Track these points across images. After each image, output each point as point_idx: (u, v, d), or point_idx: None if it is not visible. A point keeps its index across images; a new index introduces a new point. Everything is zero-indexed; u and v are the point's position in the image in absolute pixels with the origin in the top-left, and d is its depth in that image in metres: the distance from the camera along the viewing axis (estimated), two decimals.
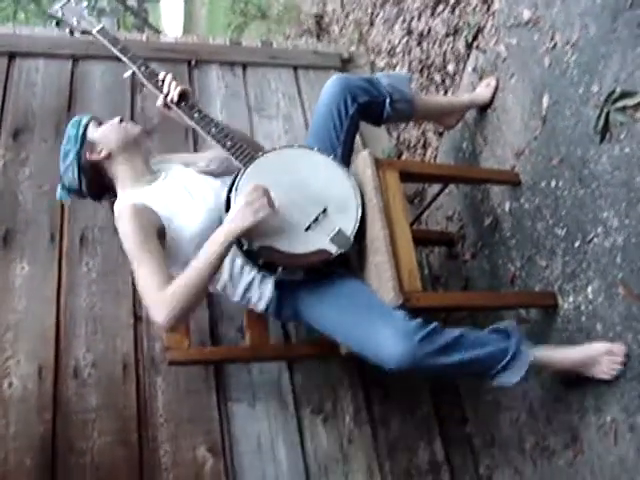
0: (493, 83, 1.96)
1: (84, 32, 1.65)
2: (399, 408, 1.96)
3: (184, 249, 1.50)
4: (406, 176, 1.66)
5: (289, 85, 2.60)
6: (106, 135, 1.57)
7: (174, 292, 1.33)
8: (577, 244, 1.58)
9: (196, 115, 1.57)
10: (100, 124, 1.61)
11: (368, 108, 1.73)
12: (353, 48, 2.96)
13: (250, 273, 1.55)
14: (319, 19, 3.62)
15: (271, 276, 1.53)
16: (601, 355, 1.45)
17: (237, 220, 1.37)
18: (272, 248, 1.44)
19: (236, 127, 1.74)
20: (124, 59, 1.61)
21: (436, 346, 1.34)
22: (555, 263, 1.66)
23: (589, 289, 1.53)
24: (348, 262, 1.54)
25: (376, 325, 1.38)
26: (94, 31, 1.63)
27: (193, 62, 2.53)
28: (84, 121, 1.59)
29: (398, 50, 2.65)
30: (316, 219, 1.48)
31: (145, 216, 1.46)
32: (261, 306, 1.59)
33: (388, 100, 1.75)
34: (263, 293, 1.57)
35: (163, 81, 1.59)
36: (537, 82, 1.76)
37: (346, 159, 1.70)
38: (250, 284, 1.56)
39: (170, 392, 1.80)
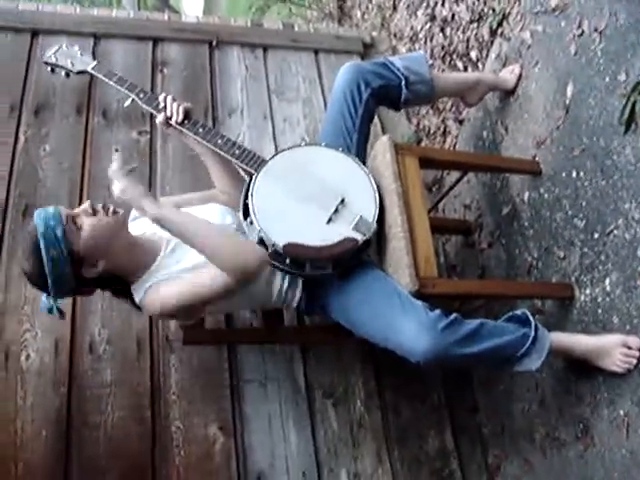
0: (517, 70, 1.93)
1: (80, 72, 1.67)
2: (410, 395, 1.97)
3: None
4: (425, 162, 1.65)
5: (310, 69, 2.59)
6: (92, 244, 1.35)
7: (215, 264, 1.35)
8: (596, 235, 1.56)
9: (200, 130, 1.58)
10: (69, 220, 1.35)
11: (384, 92, 1.72)
12: (375, 33, 2.93)
13: (280, 275, 1.55)
14: (341, 3, 3.58)
15: (300, 274, 1.52)
16: (616, 347, 1.44)
17: (142, 204, 1.35)
18: (297, 244, 1.44)
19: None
20: (122, 89, 1.62)
21: (459, 336, 1.35)
22: (573, 254, 1.64)
23: (607, 281, 1.52)
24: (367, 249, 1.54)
25: (397, 317, 1.39)
26: (89, 69, 1.65)
27: (214, 43, 2.52)
28: (58, 232, 1.32)
29: (421, 36, 2.62)
30: (336, 210, 1.49)
31: (158, 288, 1.43)
32: (293, 305, 1.60)
33: (404, 82, 1.72)
34: (294, 292, 1.57)
35: (164, 104, 1.59)
36: (562, 70, 1.73)
37: (362, 145, 1.69)
38: (281, 286, 1.56)
39: (183, 370, 1.82)
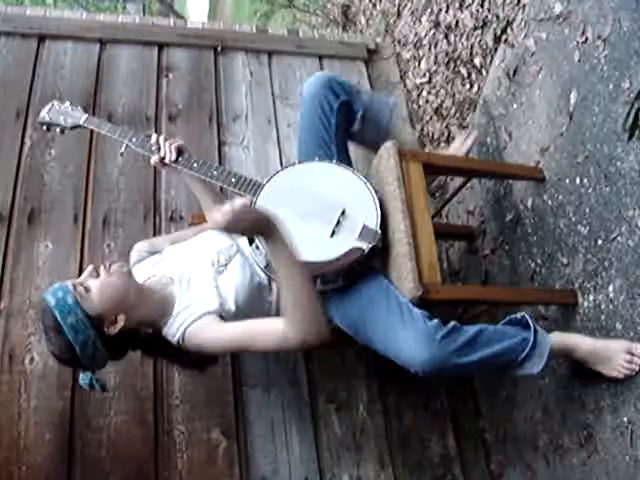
0: (469, 141, 1.93)
1: (73, 127, 1.69)
2: (413, 400, 1.96)
3: (247, 303, 1.48)
4: (429, 168, 1.66)
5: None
6: (106, 301, 1.34)
7: (291, 317, 1.27)
8: (600, 242, 1.56)
9: (195, 165, 1.58)
10: (76, 287, 1.34)
11: (345, 111, 1.71)
12: (379, 39, 2.94)
13: None
14: (346, 9, 3.60)
15: None
16: (619, 352, 1.43)
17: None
18: (304, 263, 1.43)
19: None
20: (115, 137, 1.63)
21: (457, 345, 1.34)
22: (576, 261, 1.64)
23: (610, 288, 1.52)
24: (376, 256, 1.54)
25: (396, 327, 1.38)
26: (81, 122, 1.66)
27: (219, 48, 2.54)
28: (68, 299, 1.31)
29: (425, 42, 2.63)
30: (338, 223, 1.49)
31: (205, 327, 1.40)
32: None
33: (360, 114, 1.73)
34: None
35: (157, 145, 1.59)
36: (565, 77, 1.74)
37: (343, 154, 1.69)
38: None
39: (186, 374, 1.82)
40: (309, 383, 1.91)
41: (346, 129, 1.75)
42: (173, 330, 1.42)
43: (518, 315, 1.51)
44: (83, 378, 1.41)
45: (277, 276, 1.37)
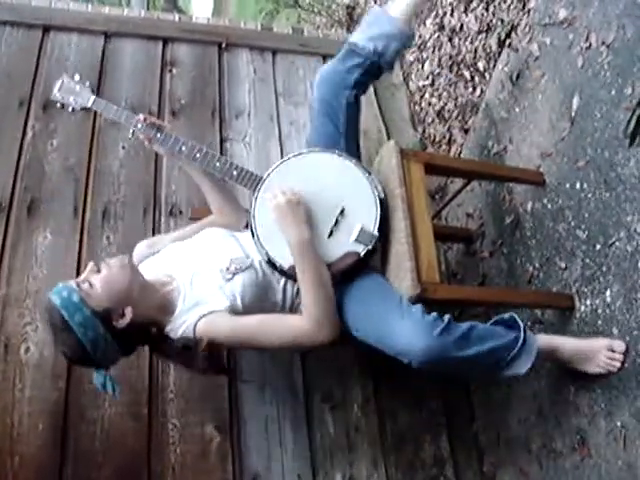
0: None
1: (83, 109, 1.69)
2: (408, 401, 1.96)
3: (259, 283, 1.50)
4: (431, 169, 1.66)
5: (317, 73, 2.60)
6: (111, 294, 1.35)
7: (311, 312, 1.38)
8: (598, 247, 1.57)
9: (198, 155, 1.58)
10: (80, 284, 1.35)
11: (366, 76, 1.70)
12: None
13: (294, 288, 1.55)
14: (351, 10, 3.60)
15: None
16: (600, 350, 1.46)
17: (291, 230, 1.42)
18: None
19: None
20: (121, 121, 1.63)
21: (454, 337, 1.34)
22: (574, 265, 1.65)
23: (608, 293, 1.52)
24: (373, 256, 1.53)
25: (394, 317, 1.38)
26: (89, 104, 1.67)
27: (223, 45, 2.54)
28: (74, 297, 1.32)
29: (429, 45, 2.64)
30: (336, 222, 1.49)
31: (214, 320, 1.42)
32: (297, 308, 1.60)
33: (377, 57, 1.69)
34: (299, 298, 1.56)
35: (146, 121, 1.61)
36: (568, 83, 1.74)
37: (352, 150, 1.68)
38: (292, 293, 1.55)
39: (182, 368, 1.82)
40: (304, 381, 1.91)
41: (381, 73, 1.75)
42: (177, 327, 1.42)
43: (506, 315, 1.51)
44: (97, 377, 1.39)
45: (301, 274, 1.41)
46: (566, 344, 1.51)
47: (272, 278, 1.53)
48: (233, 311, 1.43)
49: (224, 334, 1.41)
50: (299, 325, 1.39)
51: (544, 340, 1.50)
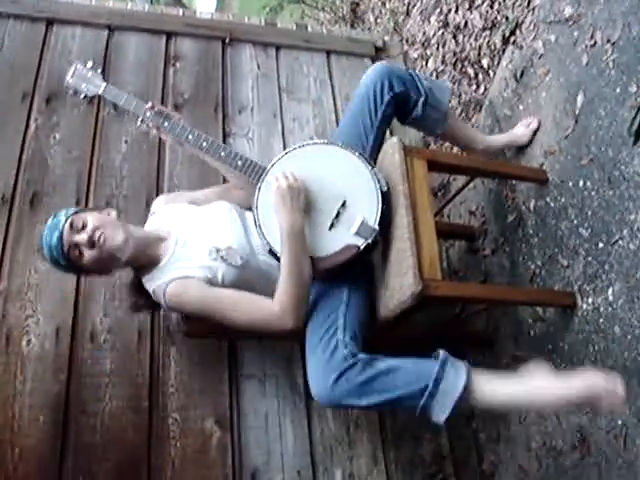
0: (534, 125, 1.88)
1: (94, 96, 1.71)
2: None
3: (242, 279, 1.54)
4: (433, 166, 1.66)
5: (321, 70, 2.59)
6: (100, 261, 1.51)
7: (281, 299, 1.41)
8: (601, 245, 1.56)
9: (204, 144, 1.60)
10: (72, 248, 1.49)
11: (401, 101, 1.71)
12: (387, 37, 2.94)
13: None
14: (355, 7, 3.60)
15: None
16: (600, 388, 1.25)
17: (285, 215, 1.43)
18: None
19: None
20: (131, 109, 1.65)
21: (352, 386, 1.29)
22: (577, 263, 1.64)
23: (610, 291, 1.52)
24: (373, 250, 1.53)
25: (315, 348, 1.39)
26: (100, 92, 1.69)
27: (227, 40, 2.53)
28: (60, 259, 1.51)
29: (433, 42, 2.63)
30: (337, 214, 1.49)
31: (185, 283, 1.50)
32: None
33: (422, 99, 1.71)
34: None
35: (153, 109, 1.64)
36: (573, 80, 1.74)
37: (377, 145, 1.69)
38: None
39: (183, 363, 1.82)
40: (305, 376, 1.90)
41: (404, 118, 1.77)
42: (156, 279, 1.53)
43: (441, 352, 1.34)
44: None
45: (283, 258, 1.43)
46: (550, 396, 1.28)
47: (272, 270, 1.53)
48: (212, 282, 1.50)
49: (193, 300, 1.48)
50: (268, 307, 1.42)
51: (483, 392, 1.29)
